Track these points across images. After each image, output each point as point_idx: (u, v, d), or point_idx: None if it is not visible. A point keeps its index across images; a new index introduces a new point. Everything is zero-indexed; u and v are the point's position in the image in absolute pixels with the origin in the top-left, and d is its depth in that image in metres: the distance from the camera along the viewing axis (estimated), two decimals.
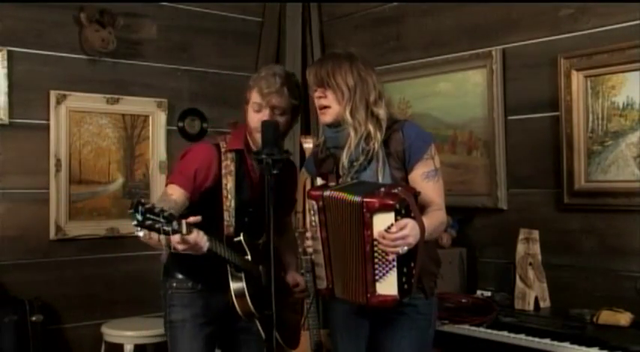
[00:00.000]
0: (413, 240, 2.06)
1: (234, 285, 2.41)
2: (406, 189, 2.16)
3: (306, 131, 4.52)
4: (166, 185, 2.48)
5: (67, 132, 3.75)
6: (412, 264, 2.12)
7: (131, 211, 1.97)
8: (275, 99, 2.44)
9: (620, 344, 2.60)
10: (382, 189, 2.12)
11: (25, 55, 3.67)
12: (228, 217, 2.48)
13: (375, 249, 2.08)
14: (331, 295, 2.25)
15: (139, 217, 1.97)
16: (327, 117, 2.30)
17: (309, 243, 2.28)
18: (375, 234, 2.07)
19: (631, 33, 3.00)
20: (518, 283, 3.16)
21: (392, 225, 2.04)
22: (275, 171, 2.14)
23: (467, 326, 3.00)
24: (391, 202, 2.05)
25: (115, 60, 3.94)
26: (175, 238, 2.05)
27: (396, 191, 2.10)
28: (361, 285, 2.13)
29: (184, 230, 2.07)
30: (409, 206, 2.09)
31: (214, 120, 4.30)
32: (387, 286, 2.09)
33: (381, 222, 2.06)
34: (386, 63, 4.06)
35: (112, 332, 3.60)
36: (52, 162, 3.70)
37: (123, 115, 3.98)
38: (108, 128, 3.93)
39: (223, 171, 2.48)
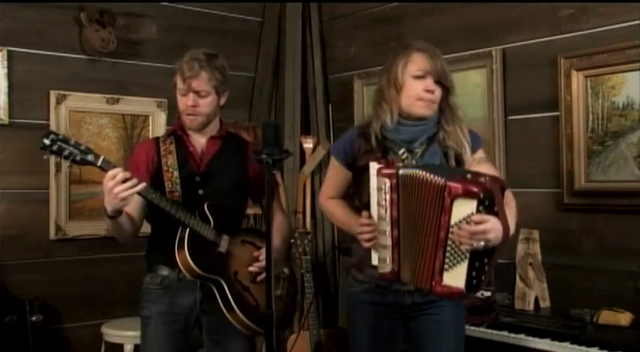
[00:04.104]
0: (493, 237, 1.96)
1: (176, 240, 2.45)
2: (493, 180, 2.02)
3: (306, 131, 4.52)
4: None
5: (67, 132, 3.74)
6: (486, 261, 1.99)
7: (42, 137, 2.17)
8: (195, 82, 2.58)
9: (620, 344, 2.60)
10: (468, 175, 2.01)
11: (25, 55, 3.67)
12: (171, 185, 2.56)
13: (450, 236, 1.97)
14: (396, 279, 2.13)
15: (46, 141, 2.16)
16: (430, 111, 2.31)
17: (365, 221, 2.16)
18: (453, 221, 1.97)
19: (631, 33, 3.00)
20: (518, 283, 3.16)
21: (472, 214, 1.94)
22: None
23: (467, 326, 2.99)
24: (475, 190, 1.94)
25: (114, 60, 3.94)
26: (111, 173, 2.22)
27: (482, 180, 1.99)
28: (428, 271, 2.03)
29: (99, 162, 2.25)
30: (494, 198, 1.97)
31: None
32: (455, 277, 1.99)
33: (461, 209, 1.95)
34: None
35: (112, 332, 3.59)
36: (52, 162, 3.69)
37: (123, 115, 3.97)
38: (108, 128, 3.93)
39: (162, 153, 2.61)
